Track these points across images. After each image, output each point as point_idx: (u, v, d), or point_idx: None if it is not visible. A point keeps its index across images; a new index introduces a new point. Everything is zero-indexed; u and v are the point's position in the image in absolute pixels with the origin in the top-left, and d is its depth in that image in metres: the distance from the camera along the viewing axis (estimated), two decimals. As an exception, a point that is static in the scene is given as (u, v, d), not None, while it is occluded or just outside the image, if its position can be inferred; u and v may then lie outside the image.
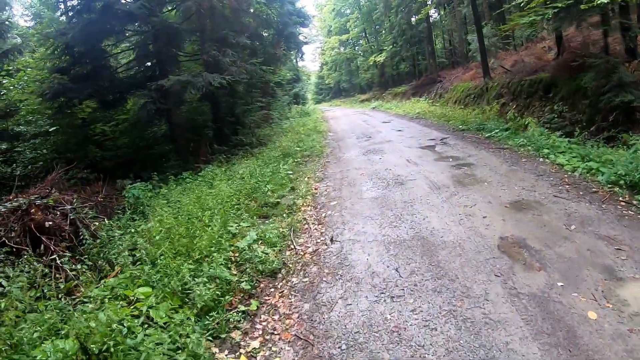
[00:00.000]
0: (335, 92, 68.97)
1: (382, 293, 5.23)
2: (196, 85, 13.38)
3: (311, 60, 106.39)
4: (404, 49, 38.53)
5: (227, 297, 5.57)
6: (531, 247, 5.92)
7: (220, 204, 9.01)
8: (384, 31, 46.08)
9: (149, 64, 16.88)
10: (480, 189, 8.57)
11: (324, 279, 5.84)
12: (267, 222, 8.47)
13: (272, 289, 5.89)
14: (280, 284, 6.01)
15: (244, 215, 8.80)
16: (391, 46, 40.10)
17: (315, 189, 10.58)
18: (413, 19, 37.25)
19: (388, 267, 5.83)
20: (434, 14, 37.19)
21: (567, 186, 8.30)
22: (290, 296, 5.60)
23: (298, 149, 16.40)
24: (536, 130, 12.67)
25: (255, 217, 8.78)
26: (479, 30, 23.24)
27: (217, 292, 5.46)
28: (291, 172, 12.32)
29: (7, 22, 16.70)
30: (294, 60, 48.86)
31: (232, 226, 7.93)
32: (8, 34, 16.85)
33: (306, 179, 11.71)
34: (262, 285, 6.02)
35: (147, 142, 18.50)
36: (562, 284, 4.98)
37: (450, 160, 11.42)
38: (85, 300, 5.45)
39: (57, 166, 12.41)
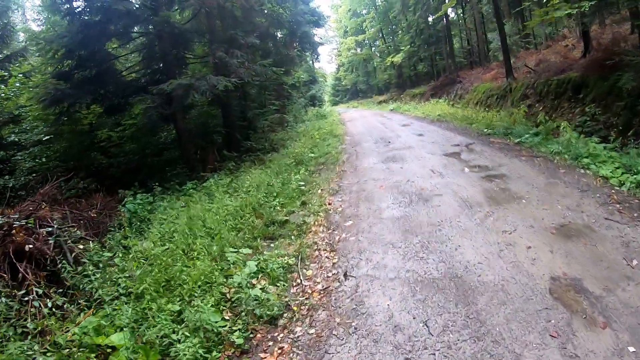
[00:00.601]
0: (352, 93, 67.70)
1: (408, 359, 3.99)
2: (199, 89, 12.29)
3: (328, 61, 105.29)
4: (422, 48, 37.13)
5: (214, 353, 4.43)
6: (589, 291, 4.71)
7: (220, 224, 7.90)
8: (400, 31, 44.72)
9: (156, 67, 15.89)
10: (518, 208, 7.30)
11: (335, 331, 4.67)
12: (272, 245, 7.42)
13: (270, 342, 4.75)
14: (281, 335, 4.86)
15: (247, 236, 7.66)
16: (408, 46, 38.72)
17: (329, 203, 9.38)
18: (430, 19, 35.87)
19: (415, 318, 4.62)
20: (451, 12, 35.69)
21: (618, 205, 7.02)
22: (291, 354, 4.42)
23: (312, 155, 15.25)
24: (572, 135, 11.29)
25: (259, 239, 7.64)
26: (501, 28, 21.85)
27: (201, 350, 4.31)
28: (303, 184, 11.19)
29: (9, 27, 15.80)
30: (310, 62, 47.85)
31: (230, 253, 6.76)
32: (9, 39, 15.93)
33: (319, 191, 10.56)
34: (258, 336, 4.85)
35: (154, 148, 17.63)
36: (633, 349, 3.81)
37: (479, 170, 10.13)
38: (50, 349, 4.48)
39: (54, 176, 11.58)
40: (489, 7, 30.77)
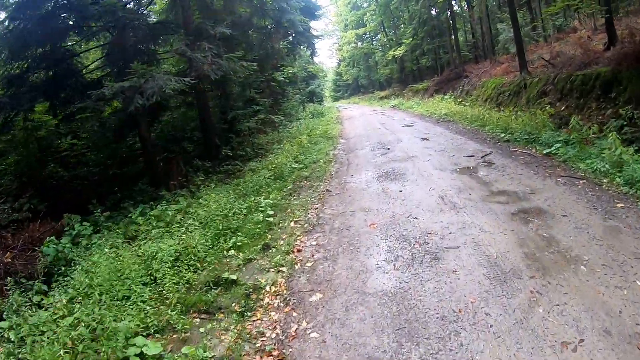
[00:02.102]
0: (353, 88, 64.77)
1: None
2: (146, 92, 9.54)
3: (328, 56, 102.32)
4: (425, 41, 34.17)
5: None
6: None
7: (137, 285, 5.30)
8: (403, 25, 41.84)
9: (122, 64, 13.25)
10: (578, 285, 4.51)
11: None
12: (202, 330, 4.64)
13: None
14: None
15: (171, 311, 5.01)
16: (411, 39, 35.77)
17: (298, 250, 6.67)
18: (434, 12, 32.90)
19: None
20: (455, 5, 32.76)
21: None
22: None
23: (296, 166, 12.61)
24: (620, 147, 8.45)
25: (191, 312, 5.00)
26: (514, 16, 18.89)
27: None
28: (273, 212, 8.51)
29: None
30: (310, 57, 44.93)
31: (132, 348, 4.15)
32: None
33: (291, 224, 7.88)
34: None
35: (118, 158, 14.89)
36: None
37: (507, 200, 7.37)
38: None
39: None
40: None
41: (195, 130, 17.21)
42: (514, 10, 18.96)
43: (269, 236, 7.49)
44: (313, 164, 13.15)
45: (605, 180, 7.56)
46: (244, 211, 8.80)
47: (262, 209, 8.76)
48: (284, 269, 6.14)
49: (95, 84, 12.72)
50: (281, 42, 20.35)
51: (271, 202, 9.16)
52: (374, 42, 53.28)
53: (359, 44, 53.01)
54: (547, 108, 13.04)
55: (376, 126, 20.51)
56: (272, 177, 11.63)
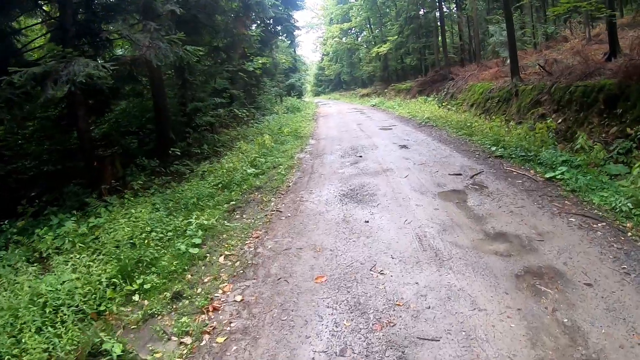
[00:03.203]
0: (335, 84, 62.66)
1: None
2: (60, 79, 7.41)
3: (312, 50, 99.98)
4: (411, 39, 32.25)
5: None
6: None
7: None
8: (389, 22, 39.82)
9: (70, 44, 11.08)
10: None
11: None
12: None
13: None
14: None
15: None
16: (396, 36, 33.78)
17: (215, 309, 4.76)
18: (422, 12, 31.00)
19: None
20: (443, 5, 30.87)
21: None
22: None
23: (251, 172, 10.57)
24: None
25: None
26: (509, 17, 17.00)
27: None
28: (202, 240, 6.51)
29: None
30: (290, 48, 42.79)
31: None
32: None
33: (220, 259, 6.02)
34: None
35: (55, 153, 12.77)
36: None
37: (507, 249, 5.42)
38: None
39: None
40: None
41: (151, 122, 15.02)
42: (510, 10, 17.15)
43: (188, 276, 5.53)
44: (272, 170, 11.15)
45: (628, 225, 5.63)
46: (169, 234, 6.78)
47: (191, 232, 6.74)
48: (187, 339, 4.12)
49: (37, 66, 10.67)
50: (253, 29, 18.20)
51: (205, 222, 7.17)
52: (358, 39, 51.12)
53: (344, 39, 50.81)
54: (547, 121, 11.20)
55: (352, 127, 18.49)
56: (220, 185, 9.59)
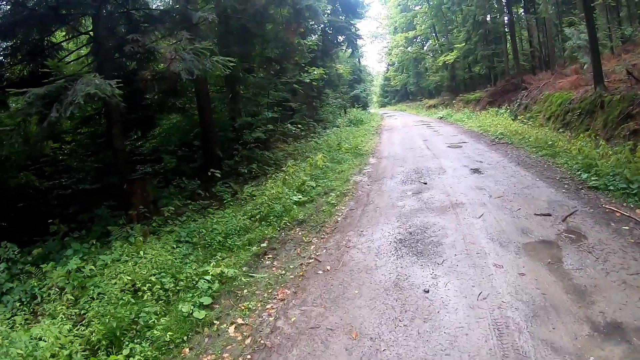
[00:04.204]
0: (401, 95, 60.23)
1: None
2: (66, 100, 6.14)
3: (378, 60, 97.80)
4: (479, 46, 29.56)
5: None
6: None
7: None
8: (455, 30, 37.22)
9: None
10: None
11: None
12: None
13: None
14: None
15: None
16: (464, 43, 31.22)
17: None
18: (488, 17, 28.37)
19: None
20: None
21: None
22: None
23: (297, 199, 8.97)
24: None
25: None
26: (589, 16, 14.43)
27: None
28: (214, 299, 5.18)
29: None
30: (353, 58, 41.15)
31: None
32: None
33: (230, 330, 4.68)
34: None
35: (93, 170, 11.92)
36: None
37: (626, 354, 3.40)
38: None
39: None
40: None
41: (199, 138, 13.84)
42: (590, 10, 14.60)
43: (186, 350, 4.07)
44: (322, 197, 9.45)
45: None
46: (181, 283, 5.31)
47: (203, 286, 5.22)
48: None
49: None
50: (312, 39, 16.65)
51: (225, 271, 5.56)
52: (424, 48, 48.61)
53: (409, 48, 48.47)
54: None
55: (417, 143, 16.47)
56: (257, 217, 7.99)
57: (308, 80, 17.26)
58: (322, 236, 7.05)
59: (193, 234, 7.49)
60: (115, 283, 5.35)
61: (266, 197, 8.89)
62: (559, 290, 4.46)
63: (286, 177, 10.43)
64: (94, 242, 7.01)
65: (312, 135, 19.00)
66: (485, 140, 15.37)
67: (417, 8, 46.29)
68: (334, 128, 22.28)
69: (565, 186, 8.31)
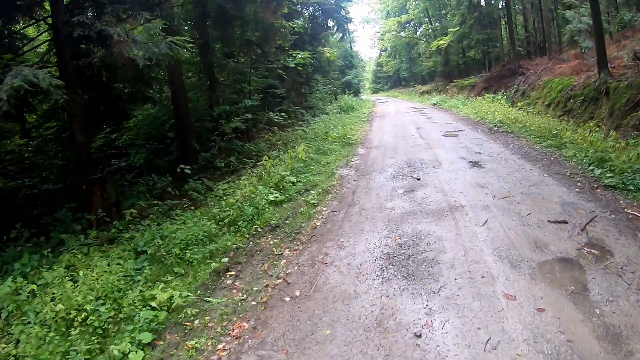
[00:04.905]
0: (394, 81, 58.64)
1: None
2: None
3: (370, 46, 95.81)
4: (474, 29, 28.16)
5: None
6: None
7: None
8: (449, 14, 35.80)
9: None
10: None
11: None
12: None
13: None
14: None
15: None
16: (458, 27, 29.83)
17: None
18: (483, 2, 27.05)
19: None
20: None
21: None
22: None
23: (272, 198, 7.74)
24: None
25: None
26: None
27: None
28: (152, 337, 4.16)
29: None
30: (348, 44, 39.69)
31: None
32: None
33: None
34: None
35: (54, 169, 10.83)
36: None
37: None
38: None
39: None
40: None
41: (174, 129, 12.64)
42: (595, -9, 13.26)
43: None
44: (301, 196, 8.25)
45: None
46: (124, 310, 4.32)
47: (147, 316, 4.07)
48: None
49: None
50: (296, 22, 15.31)
51: (175, 295, 4.41)
52: (417, 32, 46.97)
53: (401, 33, 46.82)
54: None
55: (410, 131, 15.26)
56: (225, 222, 6.81)
57: (293, 65, 15.92)
58: (296, 247, 5.86)
59: (151, 243, 6.32)
60: (47, 312, 4.27)
61: (238, 197, 7.70)
62: (588, 335, 3.33)
63: (263, 172, 9.21)
64: (45, 254, 5.98)
65: (299, 123, 17.78)
66: (482, 128, 14.16)
67: (408, -9, 44.73)
68: (323, 115, 21.02)
69: (578, 184, 7.16)
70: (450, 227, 5.65)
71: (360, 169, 10.09)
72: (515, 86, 20.68)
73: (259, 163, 10.24)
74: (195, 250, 6.01)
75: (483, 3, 28.03)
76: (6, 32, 8.45)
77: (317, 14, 23.30)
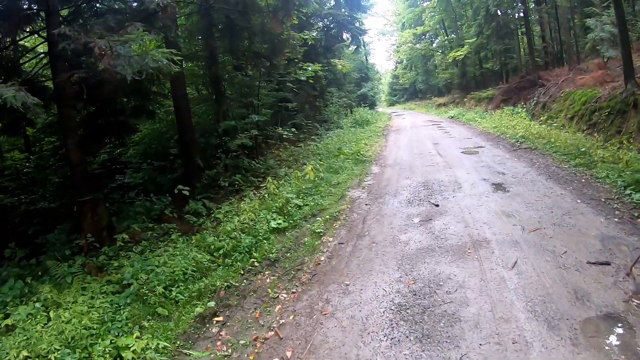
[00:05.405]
0: (410, 93, 57.61)
1: None
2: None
3: (386, 58, 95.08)
4: (492, 40, 27.17)
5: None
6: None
7: None
8: (464, 26, 34.98)
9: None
10: None
11: None
12: None
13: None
14: None
15: None
16: (475, 38, 28.86)
17: None
18: (499, 12, 26.21)
19: None
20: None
21: None
22: None
23: (275, 225, 7.02)
24: None
25: None
26: (619, 4, 12.31)
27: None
28: None
29: None
30: (364, 57, 39.06)
31: None
32: None
33: None
34: None
35: (49, 187, 10.81)
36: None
37: None
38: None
39: None
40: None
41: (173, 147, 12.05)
42: (619, -3, 12.37)
43: None
44: (307, 222, 7.48)
45: None
46: None
47: None
48: None
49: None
50: (307, 33, 14.65)
51: (151, 346, 3.74)
52: (433, 44, 46.09)
53: (417, 45, 45.96)
54: None
55: (427, 147, 14.40)
56: (220, 253, 6.08)
57: (304, 78, 15.24)
58: (295, 288, 5.08)
59: (139, 275, 5.63)
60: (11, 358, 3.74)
61: (236, 223, 6.95)
62: None
63: (266, 195, 8.45)
64: (29, 281, 5.57)
65: (313, 137, 17.08)
66: (504, 144, 13.23)
67: (425, 4, 43.83)
68: (337, 129, 20.29)
69: (616, 212, 6.26)
70: (474, 270, 4.80)
71: (373, 191, 9.28)
72: (535, 98, 19.72)
73: (262, 185, 9.48)
74: (182, 288, 5.29)
75: (499, 13, 27.13)
76: (8, 41, 8.09)
77: (331, 25, 22.68)
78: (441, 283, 4.60)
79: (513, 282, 4.43)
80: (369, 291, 4.67)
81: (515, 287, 4.34)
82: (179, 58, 6.36)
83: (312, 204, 8.45)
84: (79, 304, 4.81)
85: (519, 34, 26.74)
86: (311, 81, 16.21)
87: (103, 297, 5.15)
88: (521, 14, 24.44)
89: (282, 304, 4.74)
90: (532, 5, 25.22)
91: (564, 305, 3.97)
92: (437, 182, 9.10)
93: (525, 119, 17.23)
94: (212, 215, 8.43)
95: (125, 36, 5.66)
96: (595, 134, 11.77)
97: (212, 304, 4.87)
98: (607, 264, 4.72)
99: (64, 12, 8.51)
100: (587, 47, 19.82)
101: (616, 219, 5.99)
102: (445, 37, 40.71)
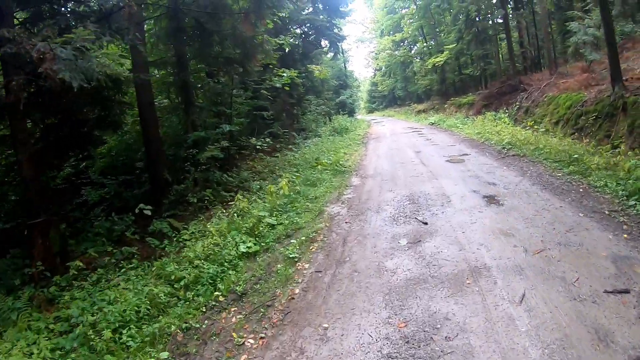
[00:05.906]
0: (389, 100, 57.23)
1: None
2: None
3: (364, 65, 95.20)
4: (472, 46, 26.81)
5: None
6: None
7: None
8: (442, 33, 34.93)
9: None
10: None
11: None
12: None
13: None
14: None
15: None
16: (455, 43, 28.51)
17: None
18: (477, 19, 25.92)
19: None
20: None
21: None
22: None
23: (244, 250, 6.19)
24: None
25: None
26: (604, 5, 11.89)
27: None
28: None
29: None
30: (343, 64, 38.56)
31: None
32: None
33: None
34: None
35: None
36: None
37: None
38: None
39: None
40: None
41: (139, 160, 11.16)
42: (605, 1, 11.94)
43: None
44: (280, 245, 6.64)
45: None
46: None
47: None
48: None
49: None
50: (282, 37, 13.91)
51: None
52: (412, 51, 45.81)
53: (396, 51, 45.64)
54: None
55: (409, 156, 13.69)
56: (181, 284, 5.22)
57: (279, 85, 14.47)
58: (264, 332, 4.24)
59: (90, 312, 4.79)
60: None
61: (199, 250, 6.10)
62: None
63: (235, 214, 7.61)
64: None
65: (290, 147, 16.31)
66: (490, 151, 12.59)
67: (404, 11, 43.63)
68: (315, 138, 19.57)
69: (624, 227, 5.60)
70: (476, 307, 4.02)
71: (353, 206, 8.50)
72: (517, 103, 19.38)
73: (230, 203, 8.64)
74: (135, 330, 4.43)
75: (478, 19, 26.88)
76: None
77: (309, 32, 22.03)
78: (438, 325, 3.80)
79: (524, 322, 3.67)
80: (351, 337, 3.85)
81: (527, 328, 3.58)
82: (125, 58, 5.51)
83: (287, 222, 7.63)
84: (18, 348, 4.01)
85: (498, 39, 26.55)
86: (287, 88, 15.47)
87: (49, 338, 4.36)
88: (500, 20, 24.16)
89: (249, 353, 3.92)
90: (510, 11, 25.00)
91: (586, 350, 3.24)
92: (423, 195, 8.35)
93: (508, 124, 16.80)
94: (177, 237, 7.58)
95: (65, 36, 4.80)
96: (583, 139, 11.35)
97: (164, 355, 4.00)
98: (627, 292, 4.02)
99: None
100: (570, 51, 19.53)
101: (625, 235, 5.32)
102: (424, 44, 40.48)
